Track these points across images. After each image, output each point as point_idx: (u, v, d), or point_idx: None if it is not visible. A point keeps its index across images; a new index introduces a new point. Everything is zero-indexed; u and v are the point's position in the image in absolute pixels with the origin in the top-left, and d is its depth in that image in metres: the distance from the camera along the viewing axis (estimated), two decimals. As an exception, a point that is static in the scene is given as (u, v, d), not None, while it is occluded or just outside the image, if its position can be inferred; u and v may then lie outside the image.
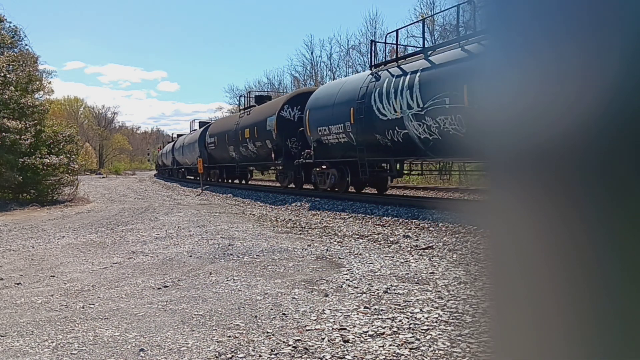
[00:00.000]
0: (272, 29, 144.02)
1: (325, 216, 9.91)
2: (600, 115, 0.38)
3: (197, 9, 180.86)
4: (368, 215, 9.40)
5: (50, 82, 17.64)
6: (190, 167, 30.50)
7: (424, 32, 13.44)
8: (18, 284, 4.56)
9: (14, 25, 15.88)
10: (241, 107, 22.38)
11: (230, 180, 24.52)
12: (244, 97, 22.79)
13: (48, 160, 14.20)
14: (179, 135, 39.81)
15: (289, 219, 9.43)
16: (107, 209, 12.49)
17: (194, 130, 31.89)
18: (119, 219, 10.11)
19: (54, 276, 4.83)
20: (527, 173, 0.44)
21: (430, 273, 4.46)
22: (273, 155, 16.05)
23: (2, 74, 13.54)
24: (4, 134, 13.01)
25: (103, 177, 41.96)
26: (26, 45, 16.41)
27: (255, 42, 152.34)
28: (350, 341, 2.78)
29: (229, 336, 2.93)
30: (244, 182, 24.65)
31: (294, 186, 16.63)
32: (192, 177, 33.03)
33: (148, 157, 78.36)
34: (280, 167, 17.22)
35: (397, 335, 2.84)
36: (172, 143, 37.58)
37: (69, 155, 15.28)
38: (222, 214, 10.65)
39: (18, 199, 14.26)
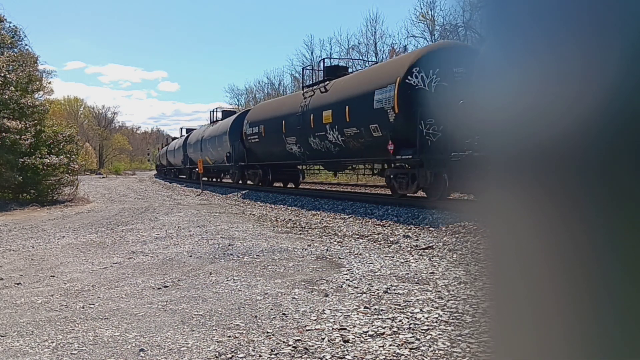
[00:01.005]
0: (272, 29, 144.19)
1: (325, 216, 9.91)
2: (600, 115, 0.38)
3: (198, 9, 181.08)
4: (368, 216, 9.40)
5: (50, 82, 17.68)
6: (212, 167, 24.34)
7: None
8: (18, 284, 4.56)
9: (14, 25, 15.90)
10: (305, 84, 15.99)
11: (264, 183, 18.18)
12: (311, 69, 16.27)
13: (48, 160, 14.21)
14: (189, 130, 33.71)
15: (289, 219, 9.43)
16: (107, 209, 12.49)
17: (215, 121, 25.18)
18: (119, 219, 10.11)
19: (54, 276, 4.83)
20: (527, 173, 0.44)
21: (430, 273, 4.46)
22: (391, 147, 10.02)
23: (2, 74, 13.54)
24: (4, 134, 13.01)
25: (103, 177, 41.95)
26: (26, 45, 16.43)
27: (255, 42, 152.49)
28: (350, 341, 2.78)
29: (229, 336, 2.93)
30: (291, 185, 18.57)
31: (424, 195, 10.58)
32: (212, 179, 27.73)
33: (148, 157, 78.30)
34: (399, 166, 10.69)
35: (397, 335, 2.84)
36: (183, 138, 31.54)
37: (69, 155, 15.28)
38: (222, 214, 10.65)
39: (18, 199, 14.26)
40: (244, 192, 17.11)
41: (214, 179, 28.03)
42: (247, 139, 18.01)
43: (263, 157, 17.35)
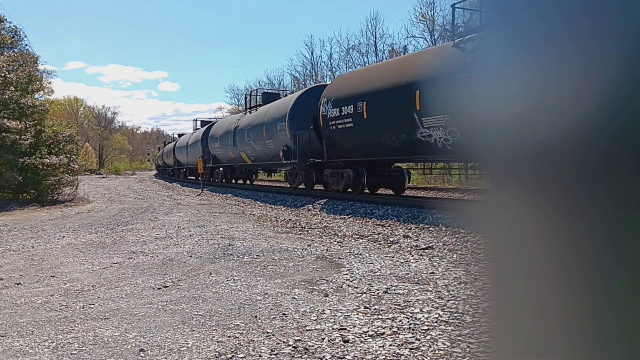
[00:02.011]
0: (272, 30, 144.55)
1: (325, 216, 9.91)
2: (599, 115, 0.38)
3: (198, 10, 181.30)
4: (368, 216, 9.40)
5: (50, 82, 17.70)
6: (252, 165, 19.02)
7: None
8: (18, 284, 4.56)
9: (14, 26, 15.91)
10: (455, 33, 8.90)
11: (355, 189, 12.28)
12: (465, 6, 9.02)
13: (48, 160, 14.20)
14: (205, 122, 28.41)
15: (289, 219, 9.43)
16: (107, 209, 12.48)
17: (254, 106, 19.15)
18: (119, 219, 10.11)
19: (54, 276, 4.83)
20: (527, 173, 0.44)
21: (430, 273, 4.46)
22: None
23: (2, 74, 13.54)
24: (4, 134, 13.01)
25: (103, 177, 41.93)
26: (26, 45, 16.44)
27: (255, 42, 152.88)
28: (350, 341, 2.78)
29: (229, 336, 2.93)
30: (386, 191, 13.04)
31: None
32: (242, 182, 21.66)
33: (148, 157, 78.29)
34: None
35: (397, 336, 2.84)
36: (201, 131, 25.77)
37: (69, 155, 15.28)
38: (222, 214, 10.65)
39: (18, 199, 14.26)
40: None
41: (240, 181, 22.25)
42: (330, 124, 12.23)
43: (356, 150, 11.60)
